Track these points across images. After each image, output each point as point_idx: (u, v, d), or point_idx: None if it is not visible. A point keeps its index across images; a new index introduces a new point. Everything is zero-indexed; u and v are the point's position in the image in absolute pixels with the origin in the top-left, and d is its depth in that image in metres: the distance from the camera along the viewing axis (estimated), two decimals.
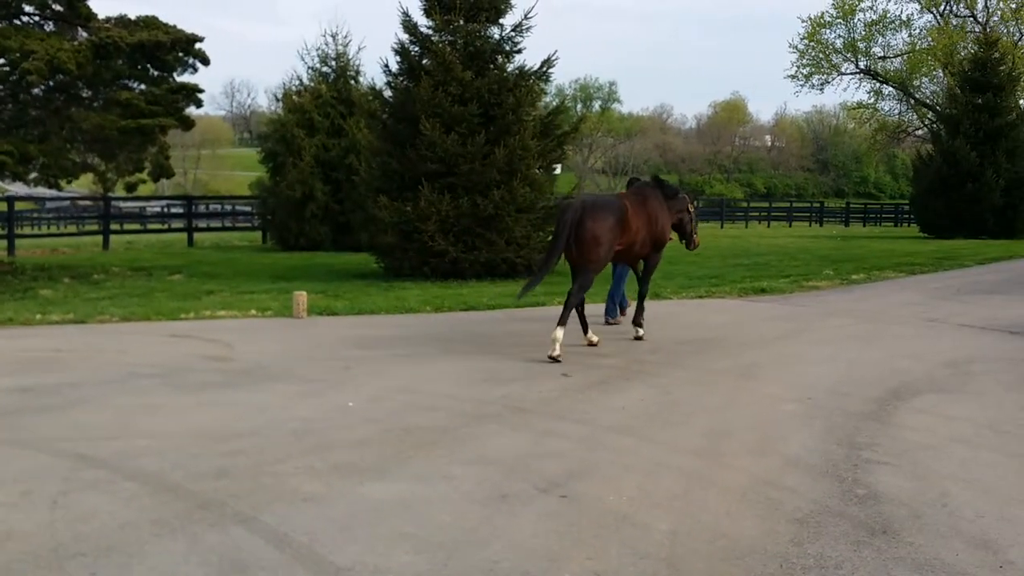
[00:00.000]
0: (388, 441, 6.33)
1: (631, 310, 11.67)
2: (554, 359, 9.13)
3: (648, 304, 11.44)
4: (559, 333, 9.33)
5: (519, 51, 17.71)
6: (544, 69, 17.58)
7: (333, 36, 27.01)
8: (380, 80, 18.55)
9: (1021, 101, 37.69)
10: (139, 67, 17.85)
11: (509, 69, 17.53)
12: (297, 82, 26.94)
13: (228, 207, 41.10)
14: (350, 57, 27.04)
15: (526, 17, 17.45)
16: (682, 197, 11.10)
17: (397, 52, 17.61)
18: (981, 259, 22.73)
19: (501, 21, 17.60)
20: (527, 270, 17.25)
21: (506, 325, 11.82)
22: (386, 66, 17.76)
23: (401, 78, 17.68)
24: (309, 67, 26.93)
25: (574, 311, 9.86)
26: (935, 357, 9.85)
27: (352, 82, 26.68)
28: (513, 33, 17.53)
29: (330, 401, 7.50)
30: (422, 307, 13.18)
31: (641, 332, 10.70)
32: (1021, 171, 32.96)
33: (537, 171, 17.12)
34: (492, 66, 17.46)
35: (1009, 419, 7.32)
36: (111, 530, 4.66)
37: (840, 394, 8.04)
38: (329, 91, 26.00)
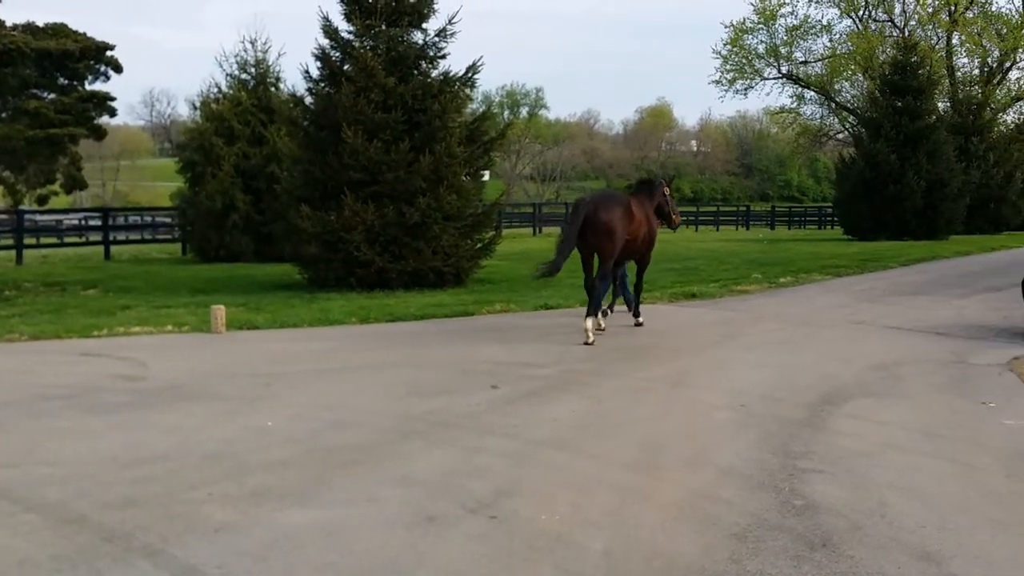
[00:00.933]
0: (309, 462, 6.01)
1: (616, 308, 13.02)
2: (588, 344, 10.41)
3: (581, 311, 11.25)
4: (589, 323, 10.71)
5: (443, 56, 17.46)
6: (469, 75, 17.32)
7: (252, 42, 26.42)
8: (301, 87, 18.13)
9: (939, 104, 38.73)
10: (47, 75, 17.18)
11: (433, 75, 17.24)
12: (216, 90, 26.30)
13: (147, 219, 40.01)
14: (270, 63, 26.50)
15: (450, 22, 17.22)
16: (659, 183, 12.27)
17: (318, 58, 17.19)
18: (904, 260, 23.14)
19: (424, 26, 17.32)
20: (455, 279, 16.99)
21: (433, 336, 11.53)
22: (307, 72, 17.35)
23: (322, 84, 17.27)
24: (228, 74, 26.31)
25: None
26: (864, 360, 9.86)
27: (272, 89, 26.12)
28: (437, 38, 17.26)
29: (248, 421, 7.13)
30: (347, 319, 12.81)
31: (641, 319, 12.15)
32: (941, 173, 33.75)
33: (464, 178, 16.86)
34: (416, 72, 17.15)
35: (941, 423, 7.30)
36: (8, 568, 4.30)
37: (773, 400, 7.95)
38: (249, 98, 25.42)
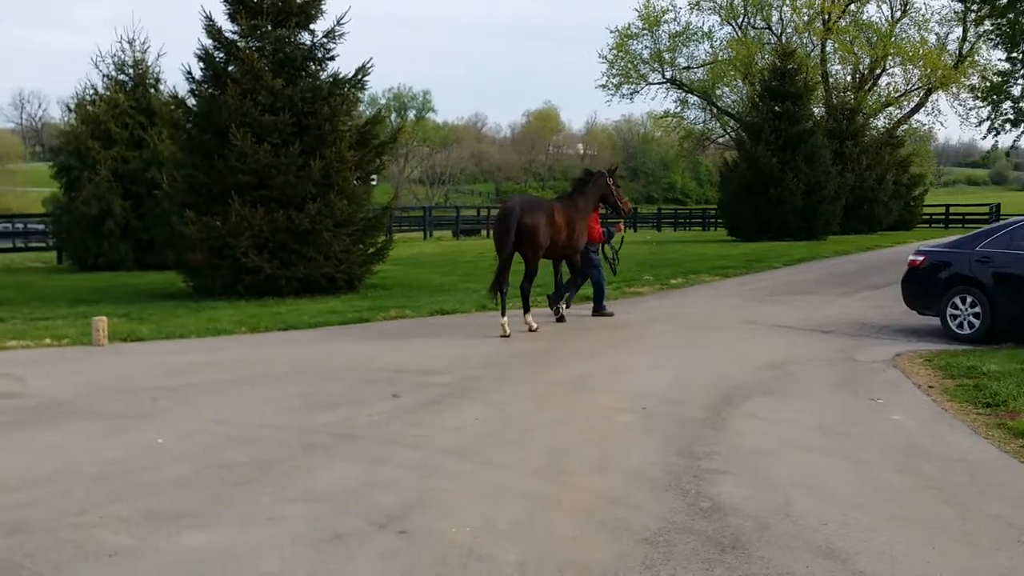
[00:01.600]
0: (206, 481, 5.75)
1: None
2: (505, 336, 11.41)
3: (478, 316, 11.16)
4: (505, 320, 11.61)
5: (332, 58, 17.11)
6: (360, 77, 17.02)
7: (130, 42, 25.38)
8: (183, 88, 17.46)
9: (816, 109, 40.09)
10: None
11: (323, 77, 16.89)
12: (92, 91, 25.15)
13: (19, 226, 38.09)
14: (149, 64, 25.48)
15: (339, 23, 16.88)
16: (599, 176, 12.86)
17: (201, 59, 16.62)
18: (788, 260, 23.85)
19: (312, 27, 16.94)
20: (348, 285, 16.68)
21: (329, 344, 11.26)
22: (189, 73, 16.75)
23: (206, 86, 16.70)
24: (105, 75, 25.21)
25: (497, 295, 11.89)
26: (758, 359, 10.08)
27: (152, 91, 25.14)
28: (325, 39, 16.91)
29: (138, 438, 6.79)
30: (237, 328, 12.40)
31: (563, 309, 12.94)
32: (818, 176, 34.94)
33: (356, 182, 16.55)
34: (304, 74, 16.76)
35: (836, 420, 7.50)
36: None
37: (673, 402, 8.03)
38: (127, 100, 24.41)
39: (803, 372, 9.49)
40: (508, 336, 11.42)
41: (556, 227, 11.93)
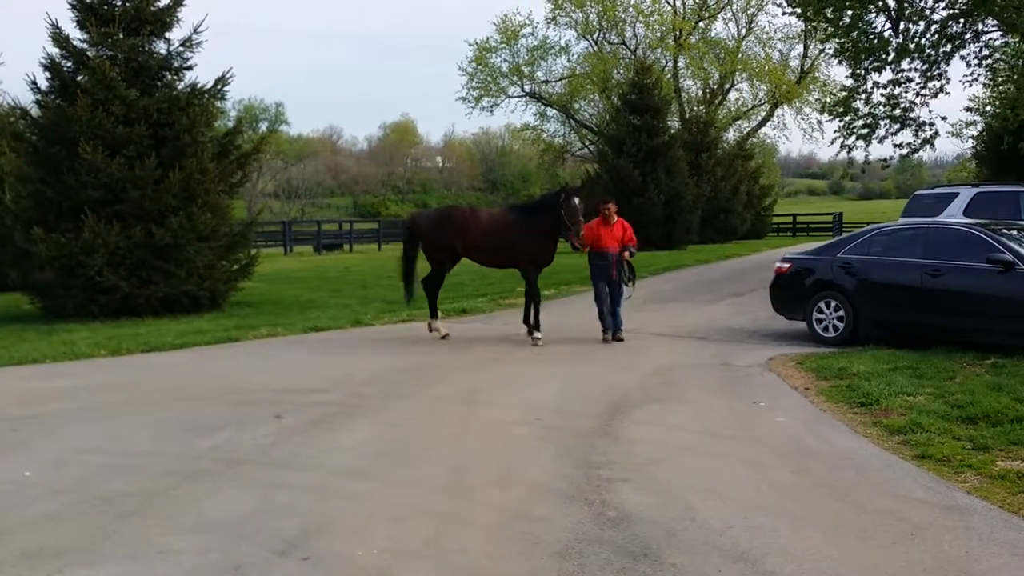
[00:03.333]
0: (84, 514, 5.33)
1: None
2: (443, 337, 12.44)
3: (354, 332, 10.77)
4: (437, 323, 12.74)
5: (189, 68, 16.45)
6: (219, 87, 16.37)
7: None
8: (26, 99, 16.39)
9: (672, 123, 41.23)
10: None
11: (180, 87, 16.21)
12: None
13: None
14: None
15: (195, 31, 16.26)
16: (555, 193, 12.56)
17: (47, 68, 15.68)
18: (654, 270, 24.34)
19: (167, 35, 16.26)
20: (211, 303, 16.02)
21: (200, 366, 10.74)
22: (34, 83, 15.78)
23: (53, 96, 15.76)
24: None
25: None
26: (641, 367, 10.20)
27: None
28: (182, 48, 16.25)
29: (1, 472, 6.24)
30: (95, 351, 11.67)
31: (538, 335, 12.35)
32: (678, 187, 35.96)
33: (220, 194, 15.93)
34: (160, 84, 16.05)
35: (723, 424, 7.63)
36: None
37: (565, 413, 8.01)
38: None
39: (684, 378, 9.65)
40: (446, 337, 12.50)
41: (468, 235, 12.33)
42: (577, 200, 12.00)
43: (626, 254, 12.56)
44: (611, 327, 12.36)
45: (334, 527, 5.13)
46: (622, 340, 12.18)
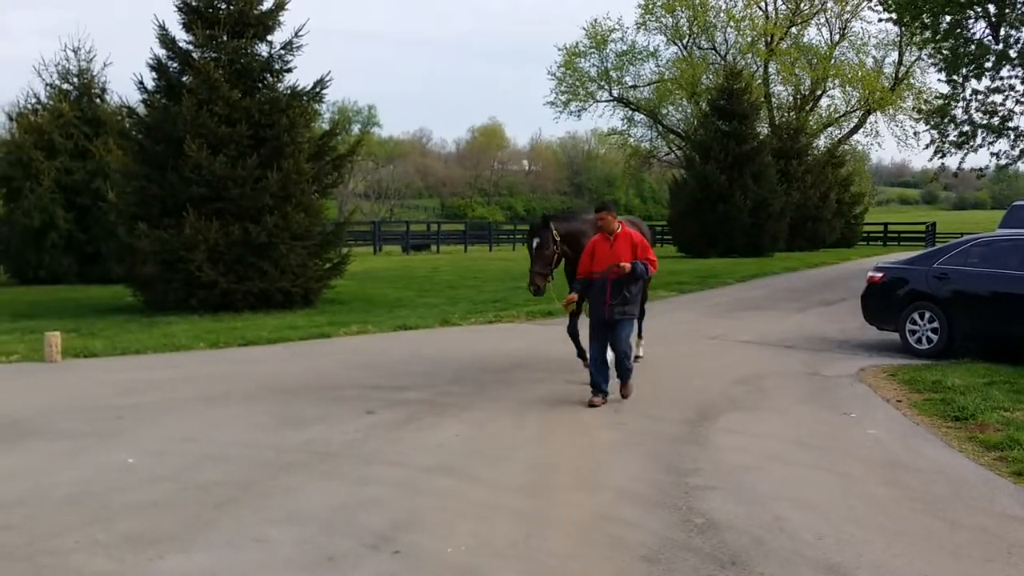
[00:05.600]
0: (183, 502, 5.54)
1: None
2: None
3: (441, 331, 10.92)
4: None
5: (289, 70, 16.85)
6: (317, 90, 16.75)
7: (75, 51, 24.81)
8: (133, 98, 17.01)
9: (760, 128, 40.71)
10: None
11: (280, 89, 16.63)
12: (34, 100, 24.50)
13: None
14: (95, 74, 24.92)
15: (296, 35, 16.67)
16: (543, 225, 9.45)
17: (153, 68, 16.27)
18: (740, 277, 24.05)
19: (269, 38, 16.71)
20: (304, 300, 16.40)
21: (293, 361, 11.01)
22: (141, 83, 16.39)
23: (159, 96, 16.35)
24: (48, 84, 24.58)
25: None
26: (727, 375, 10.09)
27: (98, 100, 24.59)
28: (283, 51, 16.68)
29: (104, 459, 6.54)
30: (195, 344, 12.07)
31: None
32: (765, 193, 35.48)
33: (314, 195, 16.30)
34: (261, 85, 16.51)
35: (812, 435, 7.52)
36: None
37: (651, 418, 7.99)
38: (71, 110, 23.80)
39: (772, 387, 9.52)
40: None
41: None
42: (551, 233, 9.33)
43: (623, 265, 8.38)
44: (600, 383, 8.51)
45: (422, 523, 5.23)
46: (628, 393, 8.72)
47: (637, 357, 10.25)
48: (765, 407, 8.55)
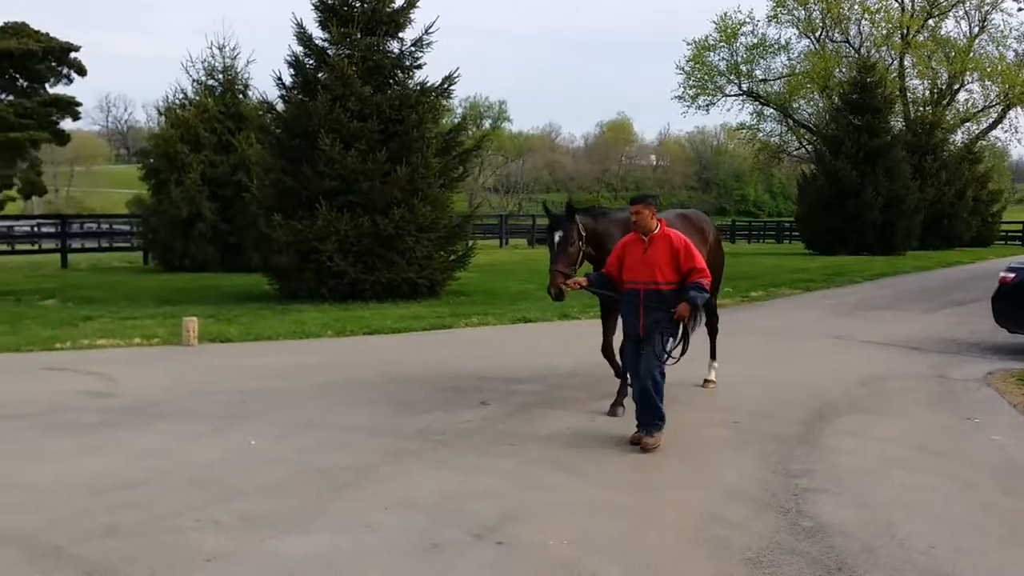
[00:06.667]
0: (300, 485, 5.75)
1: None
2: None
3: (560, 325, 10.97)
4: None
5: (419, 67, 17.26)
6: (446, 86, 17.10)
7: (220, 48, 25.96)
8: (272, 94, 17.73)
9: (894, 123, 39.34)
10: (7, 76, 16.62)
11: (410, 85, 17.03)
12: (181, 96, 25.75)
13: (105, 226, 39.12)
14: (238, 70, 26.02)
15: (427, 32, 17.03)
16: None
17: (291, 65, 16.91)
18: (869, 275, 23.33)
19: (401, 35, 17.12)
20: (429, 290, 16.75)
21: (414, 350, 11.28)
22: (279, 79, 17.03)
23: (296, 92, 16.96)
24: (194, 80, 25.80)
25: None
26: (850, 375, 9.81)
27: (241, 96, 25.67)
28: (414, 48, 17.06)
29: (230, 441, 6.85)
30: (323, 331, 12.51)
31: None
32: (898, 190, 34.31)
33: (439, 189, 16.62)
34: (392, 81, 16.94)
35: (933, 439, 7.25)
36: None
37: (766, 417, 7.84)
38: (216, 105, 24.92)
39: (895, 389, 9.22)
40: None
41: None
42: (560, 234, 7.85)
43: (679, 309, 6.82)
44: (642, 424, 6.84)
45: (528, 514, 5.29)
46: (648, 447, 6.70)
47: (708, 382, 9.14)
48: (886, 410, 8.29)
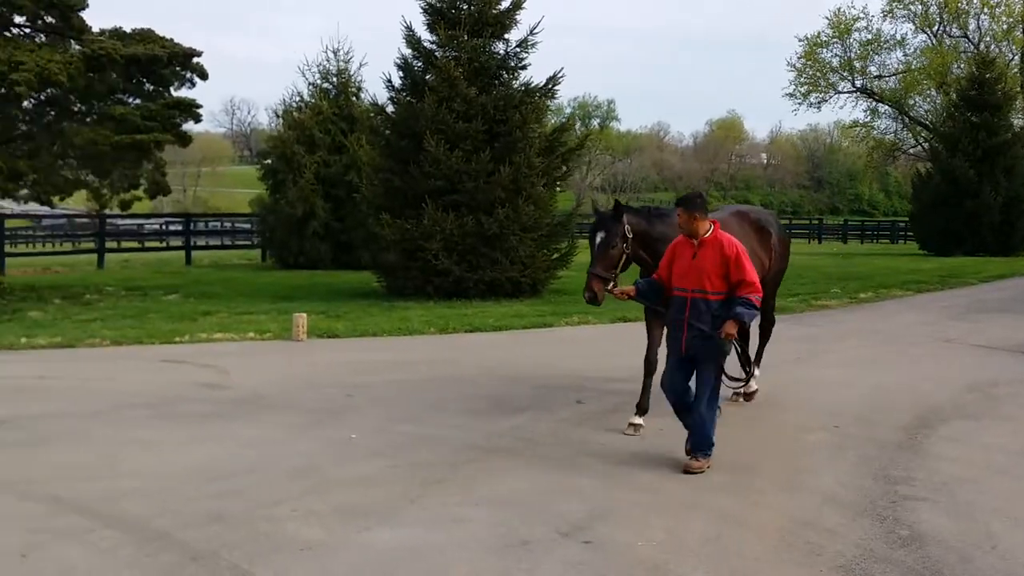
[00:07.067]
0: (394, 479, 5.91)
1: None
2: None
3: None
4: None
5: (524, 67, 17.42)
6: (550, 86, 17.23)
7: (334, 52, 26.66)
8: (382, 96, 18.13)
9: (1015, 120, 37.66)
10: (134, 81, 17.43)
11: (515, 86, 17.20)
12: (298, 98, 26.56)
13: (227, 225, 40.70)
14: (351, 73, 26.63)
15: (531, 33, 17.18)
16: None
17: (400, 67, 17.29)
18: (984, 276, 22.41)
19: (506, 36, 17.30)
20: (531, 289, 16.88)
21: (514, 348, 11.41)
22: (389, 81, 17.44)
23: (404, 94, 17.34)
24: (310, 83, 26.55)
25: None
26: (957, 380, 9.48)
27: (353, 98, 26.27)
28: (519, 49, 17.22)
29: (331, 434, 7.09)
30: (426, 328, 12.77)
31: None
32: (1018, 189, 32.94)
33: (542, 189, 16.73)
34: (497, 82, 17.13)
35: None
36: None
37: (867, 421, 7.66)
38: (330, 107, 25.59)
39: (1006, 395, 8.87)
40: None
41: None
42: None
43: (725, 326, 6.25)
44: (694, 448, 6.33)
45: (617, 514, 5.32)
46: (693, 470, 6.15)
47: (744, 395, 8.11)
48: (994, 416, 8.00)
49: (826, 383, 9.35)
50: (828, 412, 7.97)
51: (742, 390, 7.84)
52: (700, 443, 6.28)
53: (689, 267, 6.38)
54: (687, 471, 6.14)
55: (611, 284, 7.13)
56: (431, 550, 4.72)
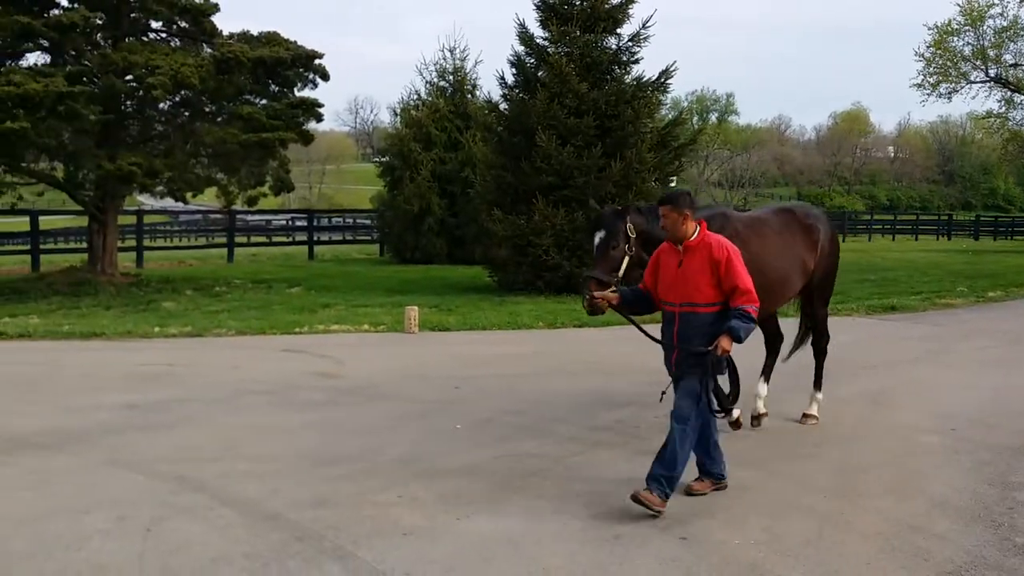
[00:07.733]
0: (496, 469, 6.05)
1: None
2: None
3: None
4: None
5: (636, 61, 17.33)
6: (662, 80, 17.10)
7: (451, 51, 27.14)
8: (496, 93, 18.34)
9: None
10: (260, 82, 18.14)
11: (626, 80, 17.14)
12: (415, 97, 27.14)
13: (349, 221, 41.78)
14: (467, 71, 27.07)
15: (644, 26, 17.09)
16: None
17: (513, 64, 17.46)
18: None
19: (619, 31, 17.25)
20: None
21: (619, 344, 11.37)
22: (502, 78, 17.62)
23: (516, 90, 17.50)
24: (427, 82, 27.12)
25: None
26: None
27: (469, 96, 26.67)
28: (631, 43, 17.14)
29: (437, 424, 7.29)
30: (535, 323, 12.91)
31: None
32: None
33: (653, 184, 16.63)
34: (609, 77, 17.10)
35: None
36: (202, 564, 4.50)
37: (986, 425, 7.39)
38: (446, 105, 26.05)
39: None
40: None
41: None
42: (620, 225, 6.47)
43: (720, 341, 5.52)
44: (705, 464, 5.72)
45: (715, 511, 5.31)
46: (643, 501, 5.18)
47: (807, 416, 7.49)
48: None
49: (944, 384, 9.06)
50: (944, 414, 7.73)
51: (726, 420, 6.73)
52: (660, 467, 5.30)
53: (675, 278, 5.63)
54: (633, 499, 5.16)
55: (612, 288, 6.24)
56: (528, 540, 4.82)
